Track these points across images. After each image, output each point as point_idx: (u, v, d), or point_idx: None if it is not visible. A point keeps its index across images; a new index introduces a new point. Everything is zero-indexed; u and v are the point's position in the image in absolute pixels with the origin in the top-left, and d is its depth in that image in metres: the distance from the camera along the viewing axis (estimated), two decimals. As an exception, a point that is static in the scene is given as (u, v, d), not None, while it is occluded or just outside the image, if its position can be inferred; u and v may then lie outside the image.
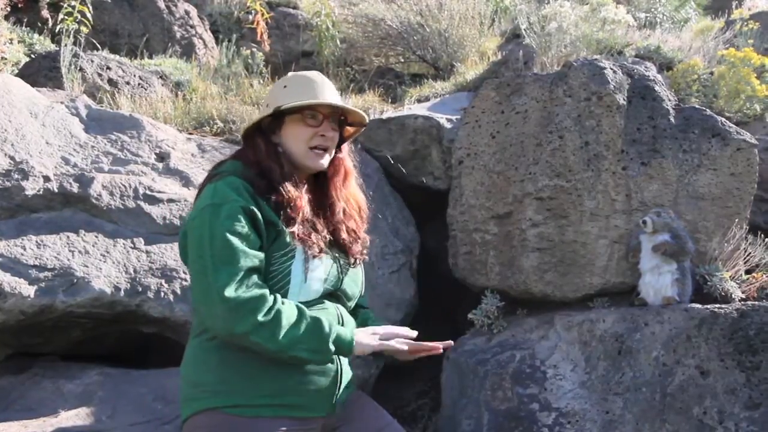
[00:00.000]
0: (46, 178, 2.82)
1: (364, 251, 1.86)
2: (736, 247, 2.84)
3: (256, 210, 1.63)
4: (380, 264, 3.22)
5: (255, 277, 1.58)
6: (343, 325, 1.73)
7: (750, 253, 2.89)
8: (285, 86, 1.81)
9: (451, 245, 3.22)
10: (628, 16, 4.66)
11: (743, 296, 2.76)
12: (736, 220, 2.86)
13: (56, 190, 2.81)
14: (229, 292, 1.52)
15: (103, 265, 2.69)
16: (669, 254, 2.69)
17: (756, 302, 2.60)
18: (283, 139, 1.78)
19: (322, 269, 1.71)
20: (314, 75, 1.83)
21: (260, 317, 1.53)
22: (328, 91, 1.80)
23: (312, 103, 1.75)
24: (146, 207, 2.91)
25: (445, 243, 3.29)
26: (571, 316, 2.81)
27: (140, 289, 2.69)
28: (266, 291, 1.58)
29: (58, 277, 2.59)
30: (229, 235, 1.56)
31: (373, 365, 3.05)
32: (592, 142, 2.92)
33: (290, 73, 1.90)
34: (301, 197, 1.71)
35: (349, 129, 1.92)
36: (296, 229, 1.67)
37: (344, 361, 1.76)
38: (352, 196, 1.87)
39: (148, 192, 2.95)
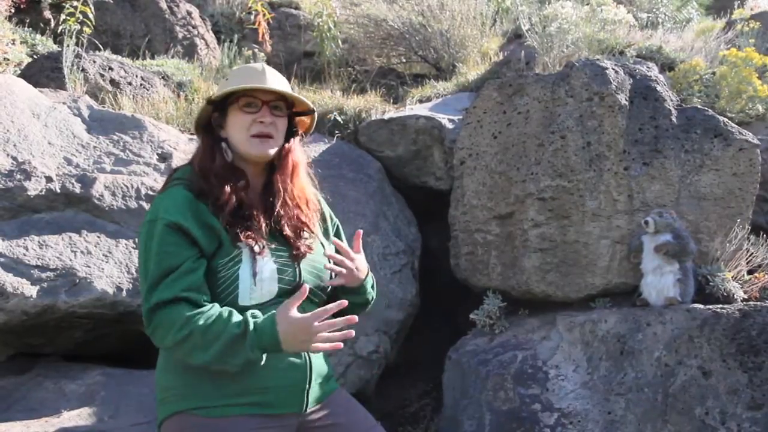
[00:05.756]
0: (49, 179, 2.82)
1: (312, 245, 1.79)
2: (739, 248, 2.84)
3: (187, 224, 1.61)
4: (382, 264, 3.22)
5: (185, 294, 1.57)
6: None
7: (752, 253, 2.89)
8: (227, 78, 1.82)
9: (453, 246, 3.22)
10: (628, 15, 4.66)
11: (745, 297, 2.76)
12: (738, 220, 2.86)
13: (58, 191, 2.81)
14: (153, 309, 1.57)
15: (105, 266, 2.69)
16: (671, 255, 2.69)
17: (758, 303, 2.60)
18: (229, 130, 1.76)
19: (272, 268, 1.68)
20: (257, 65, 1.80)
21: (174, 335, 1.55)
22: (270, 79, 1.75)
23: (239, 89, 1.72)
24: (148, 207, 2.91)
25: (447, 243, 3.29)
26: (573, 317, 2.81)
27: (142, 290, 2.69)
28: (184, 311, 1.55)
29: (60, 278, 2.59)
30: (158, 256, 1.59)
31: (375, 366, 3.05)
32: (594, 143, 2.91)
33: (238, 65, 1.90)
34: (226, 192, 1.67)
35: (305, 121, 1.89)
36: (228, 226, 1.65)
37: (315, 356, 1.72)
38: (299, 189, 1.81)
39: (150, 192, 2.95)
